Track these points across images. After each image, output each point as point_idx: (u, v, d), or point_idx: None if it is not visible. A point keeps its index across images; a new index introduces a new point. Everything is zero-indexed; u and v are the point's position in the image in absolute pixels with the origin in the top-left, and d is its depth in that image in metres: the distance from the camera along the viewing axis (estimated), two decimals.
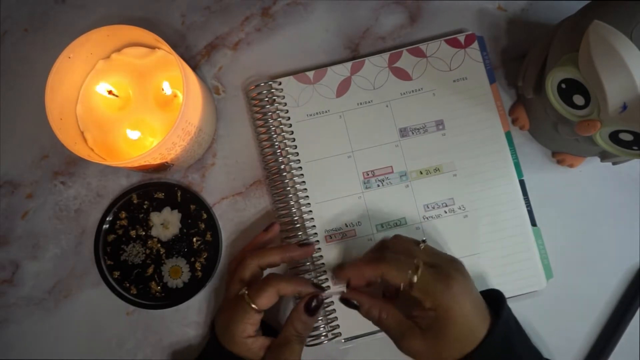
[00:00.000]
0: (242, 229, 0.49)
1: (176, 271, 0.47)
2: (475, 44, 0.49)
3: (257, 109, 0.49)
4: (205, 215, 0.48)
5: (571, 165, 0.49)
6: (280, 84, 0.49)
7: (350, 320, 0.46)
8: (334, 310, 0.46)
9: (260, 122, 0.49)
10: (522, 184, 0.48)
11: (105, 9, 0.52)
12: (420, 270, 0.38)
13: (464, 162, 0.48)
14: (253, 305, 0.40)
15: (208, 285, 0.48)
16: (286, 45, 0.51)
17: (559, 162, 0.49)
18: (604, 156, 0.44)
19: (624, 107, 0.33)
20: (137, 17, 0.52)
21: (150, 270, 0.47)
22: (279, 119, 0.48)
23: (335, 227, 0.47)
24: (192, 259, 0.48)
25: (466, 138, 0.48)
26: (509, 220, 0.47)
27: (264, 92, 0.49)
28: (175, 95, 0.46)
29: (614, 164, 0.46)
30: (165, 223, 0.48)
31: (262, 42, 0.51)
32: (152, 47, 0.47)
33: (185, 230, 0.48)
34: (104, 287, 0.47)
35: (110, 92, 0.44)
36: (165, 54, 0.46)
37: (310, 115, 0.49)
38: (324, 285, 0.46)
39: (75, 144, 0.42)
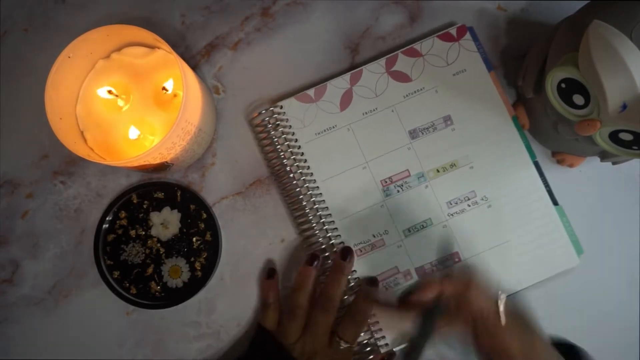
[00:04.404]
0: (243, 229, 0.49)
1: (176, 271, 0.47)
2: (468, 35, 0.49)
3: (264, 135, 0.49)
4: (205, 215, 0.48)
5: (571, 165, 0.49)
6: (282, 107, 0.49)
7: (394, 329, 0.46)
8: (377, 321, 0.46)
9: (269, 149, 0.49)
10: (536, 165, 0.48)
11: (105, 9, 0.52)
12: (504, 301, 0.37)
13: (478, 153, 0.48)
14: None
15: (208, 285, 0.48)
16: (286, 45, 0.51)
17: (559, 162, 0.49)
18: (604, 156, 0.44)
19: (624, 106, 0.33)
20: (137, 17, 0.52)
21: (150, 270, 0.47)
22: (286, 143, 0.48)
23: (363, 240, 0.47)
24: (192, 259, 0.47)
25: (476, 129, 0.48)
26: (531, 204, 0.47)
27: (267, 118, 0.49)
28: (175, 95, 0.46)
29: (614, 164, 0.46)
30: (165, 223, 0.48)
31: (262, 42, 0.51)
32: (152, 47, 0.46)
33: (185, 230, 0.48)
34: (104, 287, 0.47)
35: (109, 92, 0.44)
36: (165, 53, 0.46)
37: (319, 133, 0.48)
38: None
39: (75, 143, 0.42)
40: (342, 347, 0.43)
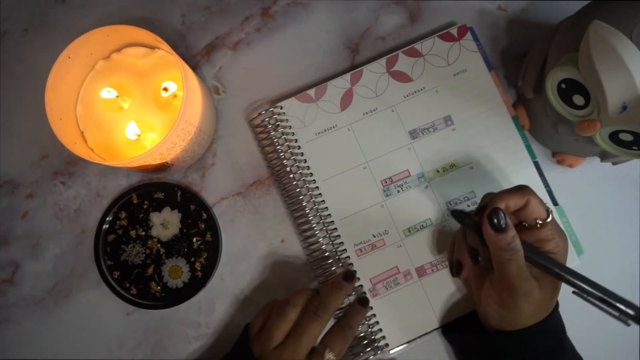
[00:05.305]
0: (243, 229, 0.49)
1: (176, 271, 0.47)
2: (469, 35, 0.49)
3: (264, 136, 0.49)
4: (205, 215, 0.48)
5: (571, 165, 0.49)
6: (282, 107, 0.49)
7: (394, 329, 0.46)
8: (377, 322, 0.46)
9: (269, 149, 0.49)
10: (536, 165, 0.48)
11: (105, 9, 0.52)
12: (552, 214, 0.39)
13: (478, 153, 0.48)
14: None
15: (208, 285, 0.48)
16: (286, 45, 0.51)
17: (559, 162, 0.49)
18: (604, 156, 0.44)
19: (624, 107, 0.33)
20: (137, 17, 0.52)
21: (150, 270, 0.47)
22: (286, 144, 0.48)
23: (363, 240, 0.47)
24: (192, 259, 0.48)
25: (476, 129, 0.48)
26: None
27: (267, 119, 0.48)
28: (175, 96, 0.46)
29: (614, 164, 0.46)
30: (165, 223, 0.48)
31: (262, 42, 0.51)
32: (152, 47, 0.47)
33: (185, 230, 0.48)
34: (104, 287, 0.47)
35: (109, 92, 0.44)
36: (165, 54, 0.46)
37: (319, 133, 0.48)
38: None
39: (75, 144, 0.42)
40: (326, 358, 0.41)
